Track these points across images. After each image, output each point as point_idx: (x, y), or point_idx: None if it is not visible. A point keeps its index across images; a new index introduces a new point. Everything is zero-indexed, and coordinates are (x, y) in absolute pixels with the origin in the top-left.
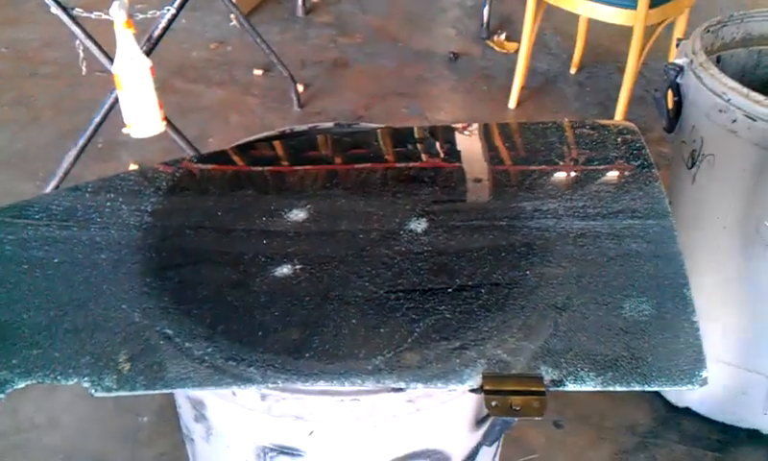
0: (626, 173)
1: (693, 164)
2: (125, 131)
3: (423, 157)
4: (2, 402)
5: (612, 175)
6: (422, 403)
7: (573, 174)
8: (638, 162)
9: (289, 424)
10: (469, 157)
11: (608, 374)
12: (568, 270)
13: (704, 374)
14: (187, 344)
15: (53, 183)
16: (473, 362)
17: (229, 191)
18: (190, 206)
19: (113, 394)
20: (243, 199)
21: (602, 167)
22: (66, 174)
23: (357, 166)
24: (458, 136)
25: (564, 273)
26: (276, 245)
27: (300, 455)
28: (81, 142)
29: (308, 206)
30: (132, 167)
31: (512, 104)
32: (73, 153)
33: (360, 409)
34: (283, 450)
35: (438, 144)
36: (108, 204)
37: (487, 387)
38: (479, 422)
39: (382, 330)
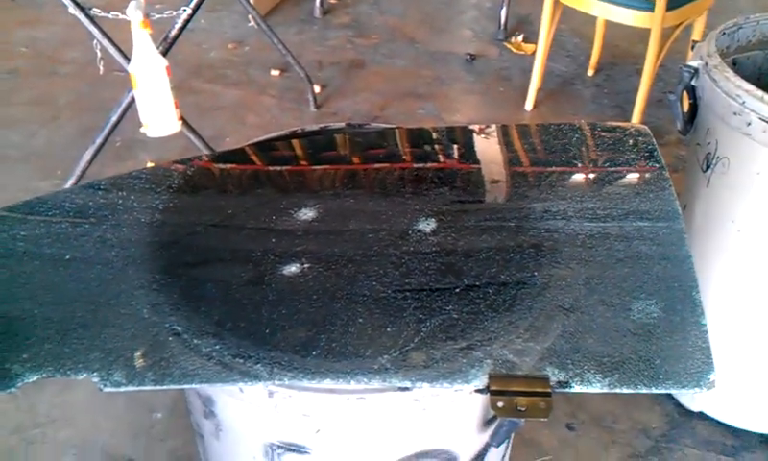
0: (637, 175)
1: (708, 167)
2: (142, 130)
3: (433, 157)
4: (19, 397)
5: (623, 177)
6: (429, 403)
7: (584, 175)
8: (650, 164)
9: (296, 422)
10: (480, 158)
11: (614, 375)
12: (577, 271)
13: (711, 377)
14: (196, 341)
15: (70, 182)
16: (479, 362)
17: (240, 190)
18: (201, 204)
19: (122, 389)
20: (253, 197)
21: (613, 169)
22: (84, 172)
23: (367, 166)
24: (469, 137)
25: (573, 274)
26: (285, 244)
27: (306, 453)
28: (98, 141)
29: (318, 206)
30: (150, 165)
31: (528, 105)
32: (90, 151)
33: (366, 408)
34: (290, 448)
35: (448, 145)
36: (121, 201)
37: (493, 387)
38: (487, 422)
39: (389, 330)
